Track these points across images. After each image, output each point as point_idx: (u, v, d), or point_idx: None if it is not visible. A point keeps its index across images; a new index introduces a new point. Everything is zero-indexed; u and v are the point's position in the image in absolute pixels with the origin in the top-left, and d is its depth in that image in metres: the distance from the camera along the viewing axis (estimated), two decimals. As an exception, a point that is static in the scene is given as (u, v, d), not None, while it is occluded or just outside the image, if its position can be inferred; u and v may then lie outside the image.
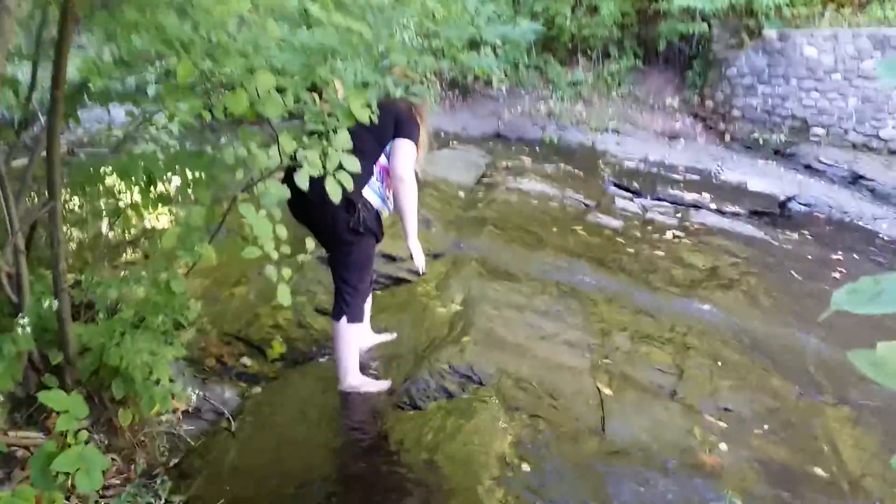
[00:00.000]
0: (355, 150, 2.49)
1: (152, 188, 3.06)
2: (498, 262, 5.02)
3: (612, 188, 8.36)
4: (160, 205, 3.27)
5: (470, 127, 11.25)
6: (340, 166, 2.37)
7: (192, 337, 3.48)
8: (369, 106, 2.40)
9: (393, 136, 3.13)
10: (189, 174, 3.08)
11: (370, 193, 3.08)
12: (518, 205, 6.77)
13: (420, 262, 3.33)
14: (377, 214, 3.13)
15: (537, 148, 10.28)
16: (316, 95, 2.49)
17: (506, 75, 11.98)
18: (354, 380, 3.28)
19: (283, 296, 2.43)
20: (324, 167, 2.35)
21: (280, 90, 2.27)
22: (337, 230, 3.04)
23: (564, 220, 6.57)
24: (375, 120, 2.46)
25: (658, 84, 12.06)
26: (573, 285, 4.77)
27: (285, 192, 2.44)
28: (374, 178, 3.10)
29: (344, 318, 3.19)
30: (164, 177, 3.08)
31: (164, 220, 4.68)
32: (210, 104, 2.51)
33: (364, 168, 2.75)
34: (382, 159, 3.15)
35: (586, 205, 7.29)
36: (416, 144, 3.17)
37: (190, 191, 3.04)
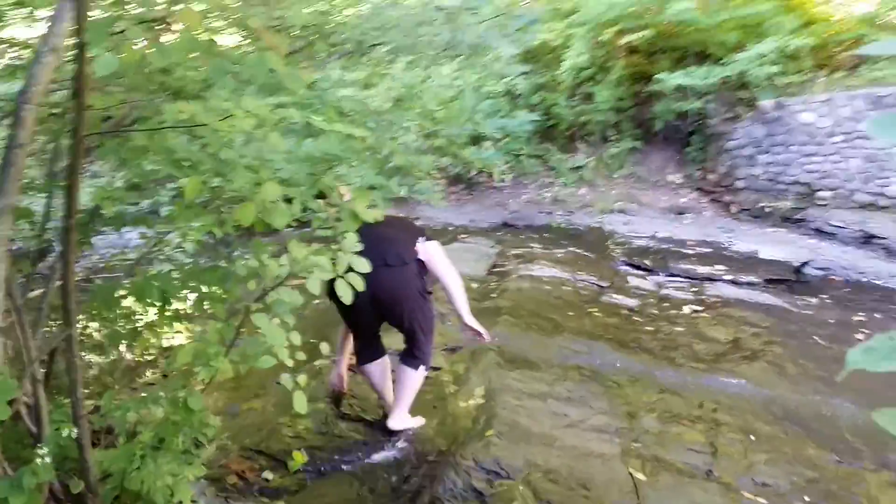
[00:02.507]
0: (392, 237, 3.40)
1: (168, 307, 3.10)
2: (516, 350, 4.98)
3: (624, 267, 8.36)
4: (176, 323, 3.30)
5: (477, 219, 11.39)
6: (350, 269, 2.40)
7: (213, 454, 3.44)
8: (375, 206, 2.45)
9: (423, 238, 3.63)
10: (204, 289, 3.12)
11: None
12: (531, 291, 6.77)
13: (482, 330, 3.68)
14: None
15: (546, 234, 10.37)
16: (322, 202, 2.56)
17: (508, 166, 12.24)
18: (407, 421, 3.79)
19: (300, 404, 2.41)
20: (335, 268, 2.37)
21: (288, 200, 2.33)
22: (412, 293, 3.49)
23: (579, 302, 6.55)
24: (380, 218, 2.52)
25: (659, 162, 12.26)
26: (594, 368, 4.71)
27: (297, 300, 2.46)
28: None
29: (422, 367, 3.69)
30: (180, 294, 3.12)
31: (181, 338, 4.70)
32: (220, 220, 2.57)
33: (411, 244, 3.51)
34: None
35: (600, 286, 7.27)
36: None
37: (205, 305, 3.07)
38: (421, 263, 3.54)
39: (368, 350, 3.81)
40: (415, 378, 3.69)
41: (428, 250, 3.61)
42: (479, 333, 3.65)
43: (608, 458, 3.44)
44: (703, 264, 8.20)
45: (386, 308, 3.52)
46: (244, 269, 2.60)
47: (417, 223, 3.79)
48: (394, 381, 3.83)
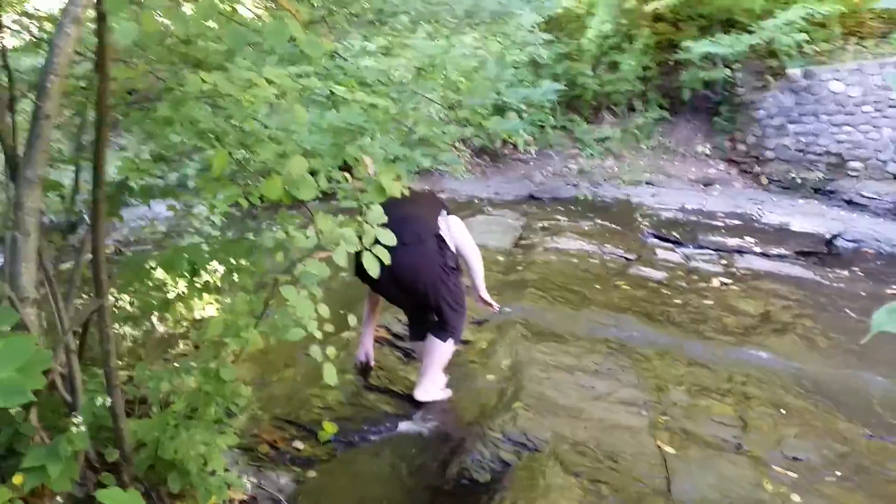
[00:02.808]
0: (412, 214, 3.40)
1: (197, 279, 3.12)
2: (543, 323, 4.96)
3: (652, 240, 8.28)
4: (206, 294, 3.33)
5: (503, 191, 11.33)
6: (377, 241, 2.39)
7: (245, 424, 3.48)
8: (399, 178, 2.44)
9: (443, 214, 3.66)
10: (232, 261, 3.14)
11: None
12: (558, 264, 6.73)
13: (493, 302, 3.81)
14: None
15: (572, 206, 10.29)
16: (347, 174, 2.54)
17: (533, 138, 12.12)
18: (434, 393, 3.79)
19: (330, 375, 2.41)
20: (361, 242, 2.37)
21: (312, 172, 2.32)
22: (432, 269, 3.46)
23: (606, 275, 6.50)
24: (407, 193, 2.50)
25: (687, 133, 12.07)
26: (622, 341, 4.68)
27: (325, 271, 2.45)
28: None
29: (451, 340, 3.67)
30: (209, 266, 3.14)
31: (211, 310, 4.75)
32: (247, 192, 2.57)
33: (432, 220, 3.53)
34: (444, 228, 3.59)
35: (627, 259, 7.21)
36: None
37: (234, 277, 3.10)
38: (441, 239, 3.53)
39: (414, 328, 3.93)
40: (443, 350, 3.69)
41: (449, 225, 3.64)
42: (490, 304, 3.81)
43: (636, 430, 3.43)
44: (732, 236, 8.09)
45: (408, 286, 3.53)
46: (271, 241, 2.61)
47: (441, 196, 3.82)
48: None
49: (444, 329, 3.67)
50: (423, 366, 3.81)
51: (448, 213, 3.71)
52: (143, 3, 1.57)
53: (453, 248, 3.63)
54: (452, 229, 3.65)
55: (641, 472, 3.08)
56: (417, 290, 3.56)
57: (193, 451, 2.38)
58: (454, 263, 3.59)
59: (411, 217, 3.45)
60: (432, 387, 3.81)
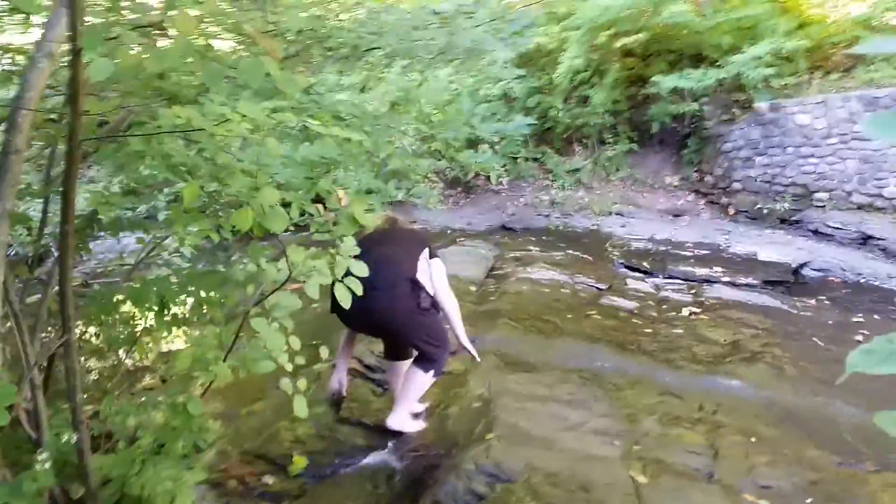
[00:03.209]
0: (387, 256, 3.42)
1: (166, 312, 3.09)
2: (516, 353, 4.97)
3: (623, 269, 8.36)
4: (175, 328, 3.29)
5: (475, 222, 11.40)
6: (349, 273, 2.40)
7: (213, 459, 3.43)
8: (372, 210, 2.46)
9: (429, 254, 3.69)
10: (202, 294, 3.11)
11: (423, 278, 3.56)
12: (530, 294, 6.76)
13: (475, 353, 3.82)
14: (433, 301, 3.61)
15: (544, 236, 10.37)
16: (320, 206, 2.56)
17: (505, 169, 12.25)
18: (406, 423, 3.79)
19: (300, 408, 2.40)
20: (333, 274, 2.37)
21: (285, 204, 2.33)
22: (404, 314, 3.47)
23: (578, 305, 6.55)
24: (381, 226, 2.52)
25: (656, 164, 12.28)
26: (594, 371, 4.70)
27: (296, 303, 2.45)
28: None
29: (431, 372, 3.64)
30: (178, 299, 3.11)
31: (179, 343, 4.69)
32: (218, 225, 2.57)
33: (408, 263, 3.53)
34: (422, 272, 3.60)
35: (598, 288, 7.27)
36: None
37: (204, 310, 3.07)
38: (416, 282, 3.52)
39: (392, 352, 3.97)
40: (422, 380, 3.68)
41: (431, 268, 3.66)
42: (471, 354, 3.80)
43: (609, 460, 3.43)
44: (701, 266, 8.21)
45: (381, 330, 3.62)
46: (242, 273, 2.60)
47: (417, 229, 3.86)
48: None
49: (427, 360, 3.66)
50: (398, 393, 3.80)
51: (432, 255, 3.70)
52: (118, 38, 1.58)
53: (431, 291, 3.64)
54: (433, 275, 3.66)
55: (614, 502, 3.08)
56: (389, 332, 3.63)
57: (161, 488, 2.35)
58: (429, 304, 3.58)
59: (386, 260, 3.45)
60: (406, 416, 3.79)
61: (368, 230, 3.64)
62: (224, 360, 2.47)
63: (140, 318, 3.35)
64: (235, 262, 2.75)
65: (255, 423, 3.92)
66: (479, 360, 3.91)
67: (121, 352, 4.02)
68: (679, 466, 3.46)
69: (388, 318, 3.46)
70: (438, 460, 3.51)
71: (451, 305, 3.70)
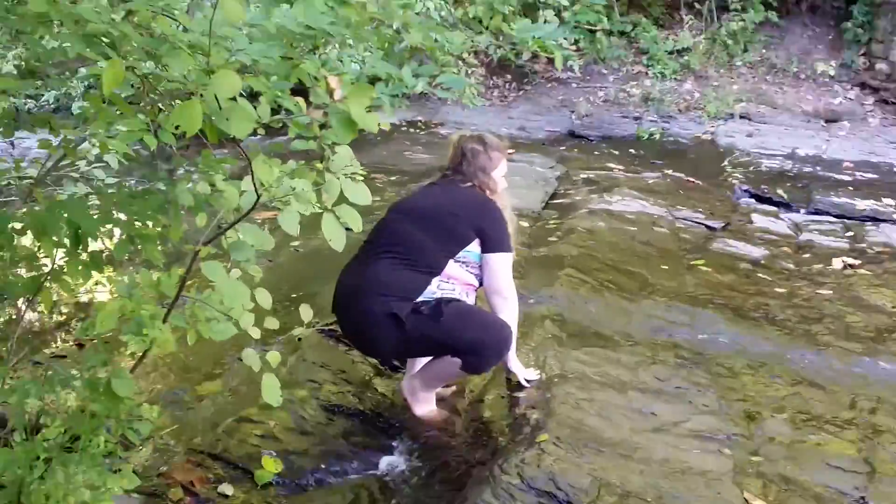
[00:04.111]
0: (410, 248, 3.66)
1: (82, 248, 3.11)
2: (583, 319, 4.98)
3: (747, 200, 8.27)
4: (95, 271, 3.32)
5: (531, 126, 11.30)
6: (344, 199, 2.39)
7: (149, 459, 3.51)
8: (376, 108, 2.43)
9: (483, 246, 3.78)
10: (134, 224, 3.13)
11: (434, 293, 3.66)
12: (608, 234, 6.73)
13: (528, 375, 4.07)
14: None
15: (632, 149, 10.26)
16: (302, 100, 2.53)
17: (577, 49, 12.04)
18: (432, 409, 3.96)
19: (271, 391, 2.43)
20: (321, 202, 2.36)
21: (251, 96, 2.31)
22: (393, 347, 3.70)
23: (679, 251, 6.51)
24: (380, 127, 2.49)
25: (803, 44, 12.00)
26: (699, 348, 4.70)
27: (267, 241, 2.46)
28: (433, 284, 3.66)
29: (460, 364, 3.65)
30: (100, 231, 3.13)
31: (102, 293, 4.76)
32: (156, 124, 2.56)
33: (422, 274, 3.63)
34: (453, 268, 3.73)
35: (710, 227, 7.21)
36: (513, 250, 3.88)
37: (136, 247, 3.09)
38: (415, 311, 3.57)
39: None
40: (450, 366, 3.72)
41: (485, 268, 3.81)
42: (524, 379, 4.06)
43: (715, 476, 3.45)
44: (864, 197, 8.08)
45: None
46: (190, 195, 2.60)
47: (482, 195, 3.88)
48: None
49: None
50: (422, 368, 3.92)
51: (488, 246, 3.77)
52: None
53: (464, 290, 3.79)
54: (487, 276, 3.81)
55: (720, 536, 3.11)
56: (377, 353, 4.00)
57: (74, 498, 2.40)
58: (426, 310, 3.60)
59: (391, 267, 3.67)
60: (426, 401, 3.93)
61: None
62: (165, 320, 2.50)
63: (46, 256, 3.39)
64: (181, 180, 2.76)
65: (209, 412, 3.99)
66: (535, 379, 4.09)
67: (19, 303, 4.09)
68: (817, 488, 3.47)
69: (371, 344, 3.80)
70: (467, 468, 3.55)
71: (510, 315, 3.84)
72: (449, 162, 4.01)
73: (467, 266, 3.78)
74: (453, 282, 3.74)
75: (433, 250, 3.70)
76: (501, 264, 3.82)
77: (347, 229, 2.39)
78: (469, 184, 3.90)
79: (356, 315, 3.65)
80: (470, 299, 3.82)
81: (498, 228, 3.83)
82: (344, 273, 3.78)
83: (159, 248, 3.01)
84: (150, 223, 3.04)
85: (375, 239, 3.82)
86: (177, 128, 2.29)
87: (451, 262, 3.72)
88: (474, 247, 3.76)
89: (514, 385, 4.09)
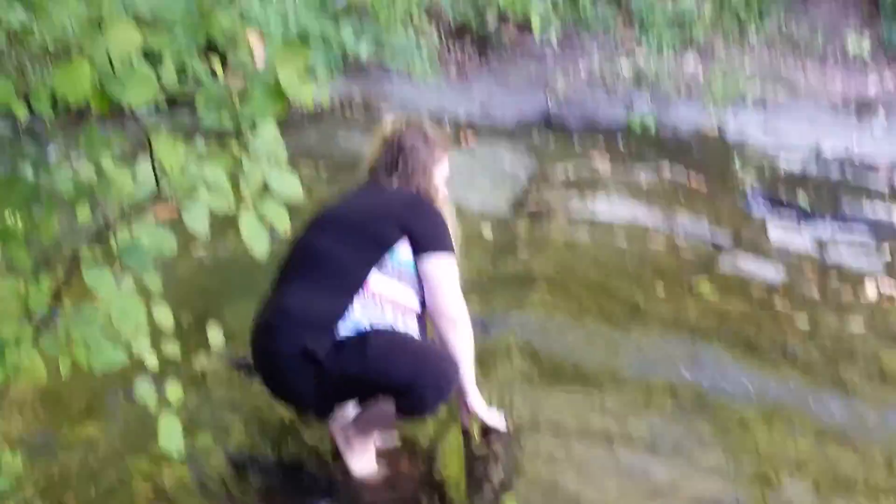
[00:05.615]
0: (325, 266, 3.59)
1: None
2: (560, 352, 4.99)
3: (761, 207, 8.35)
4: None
5: (496, 108, 11.33)
6: (267, 189, 2.36)
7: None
8: (310, 74, 2.40)
9: (414, 248, 3.69)
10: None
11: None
12: (591, 247, 6.76)
13: (495, 421, 4.04)
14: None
15: (619, 139, 10.32)
16: (217, 63, 2.50)
17: (556, 13, 12.11)
18: (370, 464, 3.91)
19: (170, 436, 2.38)
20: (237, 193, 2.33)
21: (151, 56, 2.27)
22: (314, 392, 3.57)
23: (677, 270, 6.55)
24: (315, 98, 2.47)
25: (830, 15, 12.19)
26: (701, 390, 4.72)
27: (167, 244, 2.41)
28: (356, 309, 3.58)
29: (393, 408, 3.59)
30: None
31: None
32: (25, 89, 2.51)
33: (340, 295, 3.56)
34: (379, 283, 3.64)
35: (715, 243, 7.26)
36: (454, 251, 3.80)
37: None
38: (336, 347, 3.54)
39: None
40: (383, 411, 3.67)
41: (426, 273, 3.71)
42: (490, 428, 4.04)
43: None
44: (903, 206, 8.21)
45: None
46: (69, 182, 2.55)
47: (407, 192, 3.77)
48: None
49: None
50: (354, 417, 3.85)
51: (421, 246, 3.70)
52: None
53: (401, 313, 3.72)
54: (431, 285, 3.72)
55: None
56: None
57: None
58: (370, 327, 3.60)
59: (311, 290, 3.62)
60: (367, 449, 3.89)
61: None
62: (34, 343, 2.44)
63: None
64: (58, 163, 2.69)
65: (86, 461, 3.93)
66: (503, 429, 4.05)
67: None
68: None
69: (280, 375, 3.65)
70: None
71: (462, 343, 3.77)
72: (379, 159, 3.93)
73: (400, 279, 3.70)
74: (382, 302, 3.67)
75: (351, 262, 3.65)
76: (441, 270, 3.72)
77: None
78: (405, 188, 3.86)
79: (268, 357, 3.62)
80: (409, 327, 3.73)
81: (431, 223, 3.79)
82: (260, 307, 3.73)
83: (26, 250, 2.95)
84: (15, 218, 2.99)
85: (289, 262, 3.79)
86: (55, 96, 2.25)
87: (374, 273, 3.63)
88: (403, 252, 3.68)
89: (476, 432, 4.04)
